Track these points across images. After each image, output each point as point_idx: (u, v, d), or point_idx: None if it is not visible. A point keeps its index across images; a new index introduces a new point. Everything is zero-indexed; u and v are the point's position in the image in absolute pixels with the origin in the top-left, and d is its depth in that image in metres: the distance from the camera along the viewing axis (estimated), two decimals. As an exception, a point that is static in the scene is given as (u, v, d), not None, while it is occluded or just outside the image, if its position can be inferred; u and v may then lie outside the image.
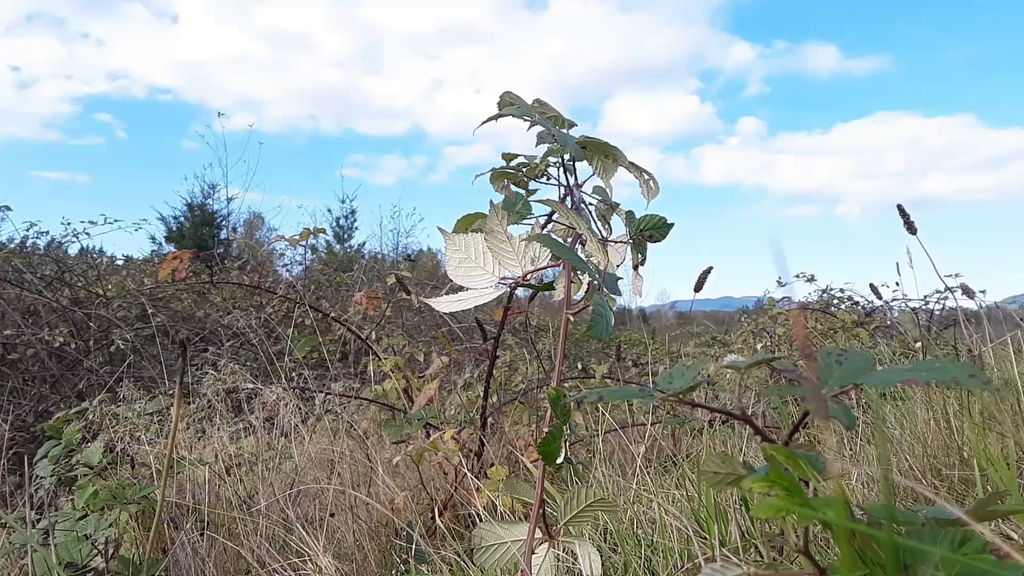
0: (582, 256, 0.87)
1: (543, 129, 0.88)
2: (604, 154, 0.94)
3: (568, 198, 0.95)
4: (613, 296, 0.86)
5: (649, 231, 0.91)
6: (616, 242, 0.95)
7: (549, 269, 0.89)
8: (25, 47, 29.01)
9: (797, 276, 4.43)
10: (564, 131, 0.95)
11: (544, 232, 0.97)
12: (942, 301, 3.94)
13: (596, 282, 0.84)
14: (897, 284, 4.03)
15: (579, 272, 0.89)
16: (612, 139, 0.93)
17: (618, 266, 0.94)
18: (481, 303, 0.89)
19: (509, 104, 0.94)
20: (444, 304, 0.90)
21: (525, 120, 0.89)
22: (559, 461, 0.80)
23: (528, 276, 0.88)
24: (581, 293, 0.90)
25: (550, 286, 0.90)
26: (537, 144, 0.87)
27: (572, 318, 0.86)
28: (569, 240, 0.92)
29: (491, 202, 0.89)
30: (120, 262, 6.60)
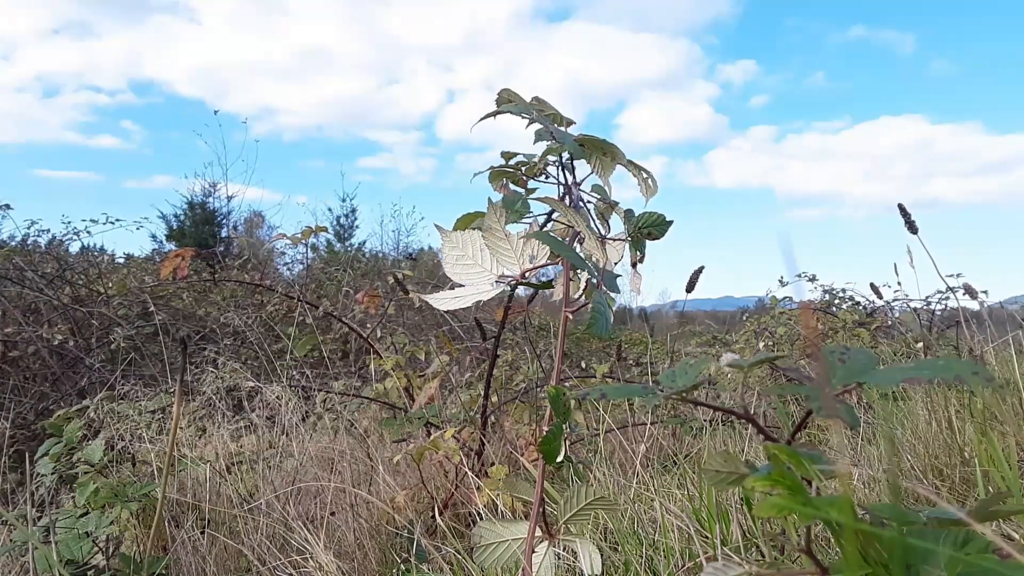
0: (581, 254, 0.87)
1: (541, 127, 0.88)
2: (602, 152, 0.94)
3: (567, 196, 0.95)
4: (612, 294, 0.85)
5: (648, 228, 0.91)
6: (614, 240, 0.95)
7: (548, 267, 0.89)
8: (49, 56, 29.25)
9: (799, 276, 4.43)
10: (562, 129, 0.94)
11: (543, 230, 0.96)
12: (943, 301, 3.94)
13: (595, 280, 0.83)
14: (899, 284, 4.04)
15: (578, 270, 0.88)
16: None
17: (616, 264, 0.94)
18: (480, 301, 0.89)
19: (507, 101, 0.93)
20: (442, 301, 0.89)
21: (523, 117, 0.89)
22: (559, 460, 0.80)
23: (527, 274, 0.87)
24: (580, 291, 0.90)
25: (549, 284, 0.89)
26: (535, 141, 0.87)
27: (572, 316, 0.85)
28: (568, 238, 0.91)
29: (489, 200, 0.89)
30: (121, 260, 6.61)
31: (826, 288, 4.69)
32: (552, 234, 0.90)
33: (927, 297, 4.03)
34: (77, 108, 30.66)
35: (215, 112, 19.07)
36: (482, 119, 0.91)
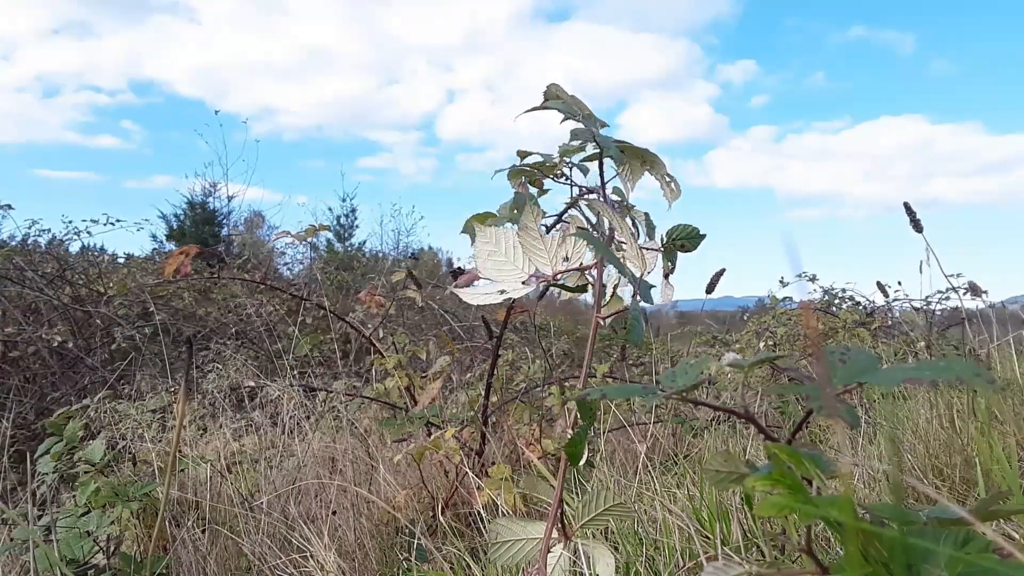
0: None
1: (580, 127, 0.88)
2: (641, 160, 0.94)
3: (598, 198, 0.94)
4: (644, 302, 0.85)
5: (681, 241, 0.91)
6: (648, 249, 0.95)
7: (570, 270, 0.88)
8: (49, 56, 29.14)
9: (800, 276, 4.44)
10: (599, 131, 0.94)
11: (585, 231, 0.96)
12: (944, 301, 3.94)
13: (634, 287, 0.83)
14: (900, 284, 4.04)
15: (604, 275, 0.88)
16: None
17: (649, 273, 0.94)
18: (512, 298, 0.88)
19: (555, 97, 0.91)
20: (473, 296, 0.89)
21: (567, 116, 0.88)
22: (581, 462, 0.80)
23: (558, 275, 0.87)
24: (608, 297, 0.89)
25: (583, 288, 0.89)
26: (571, 140, 0.87)
27: (604, 322, 0.85)
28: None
29: (529, 196, 0.89)
30: (121, 260, 6.60)
31: (826, 288, 4.69)
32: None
33: (927, 297, 4.03)
34: (77, 108, 30.63)
35: (216, 112, 19.13)
36: (527, 111, 0.90)
